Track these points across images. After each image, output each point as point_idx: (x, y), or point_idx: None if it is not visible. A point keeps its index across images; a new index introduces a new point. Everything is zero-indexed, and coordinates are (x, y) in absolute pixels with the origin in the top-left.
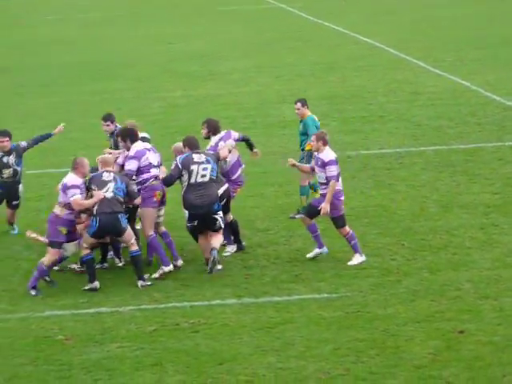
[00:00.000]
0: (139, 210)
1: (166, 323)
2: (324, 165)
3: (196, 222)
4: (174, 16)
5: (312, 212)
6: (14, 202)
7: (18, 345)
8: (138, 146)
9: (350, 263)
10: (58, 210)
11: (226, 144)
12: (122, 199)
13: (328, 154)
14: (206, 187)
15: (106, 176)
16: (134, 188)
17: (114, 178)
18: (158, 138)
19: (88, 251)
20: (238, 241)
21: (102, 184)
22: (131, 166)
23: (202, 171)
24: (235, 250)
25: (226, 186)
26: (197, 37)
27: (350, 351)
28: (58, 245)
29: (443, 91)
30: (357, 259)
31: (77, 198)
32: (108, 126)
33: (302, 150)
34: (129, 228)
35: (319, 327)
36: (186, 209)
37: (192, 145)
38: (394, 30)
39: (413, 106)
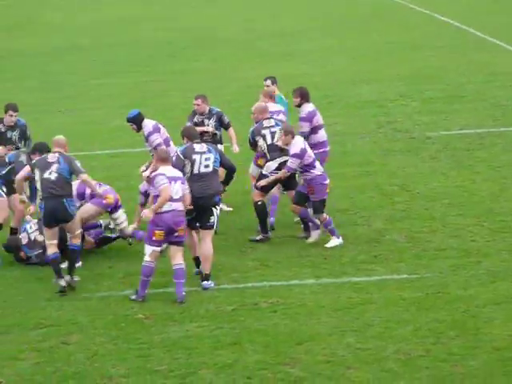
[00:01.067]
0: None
1: (244, 303)
2: (291, 156)
3: (194, 215)
4: None
5: (301, 198)
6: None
7: (98, 323)
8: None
9: (326, 245)
10: None
11: None
12: (68, 180)
13: (294, 146)
14: (208, 178)
15: (50, 157)
16: (78, 164)
17: (58, 159)
18: (234, 118)
19: (53, 250)
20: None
21: (45, 166)
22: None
23: (205, 161)
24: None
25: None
26: (274, 17)
27: (429, 332)
28: None
29: None
30: (334, 242)
31: None
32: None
33: None
34: (76, 217)
35: (398, 308)
36: None
37: (191, 135)
38: (472, 10)
39: (492, 87)
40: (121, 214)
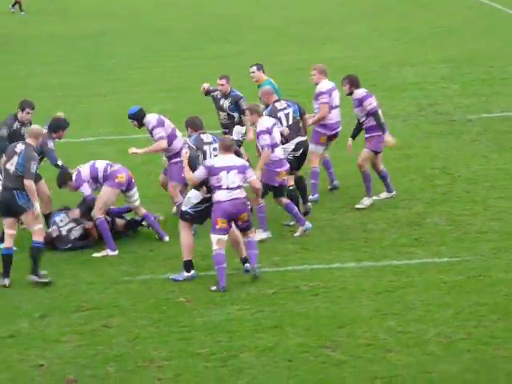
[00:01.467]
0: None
1: (285, 286)
2: (257, 135)
3: (204, 206)
4: None
5: (277, 191)
6: None
7: (140, 306)
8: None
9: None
10: None
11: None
12: (21, 174)
13: (261, 124)
14: None
15: (17, 147)
16: (32, 167)
17: (21, 151)
18: None
19: (7, 244)
20: (304, 201)
21: (10, 155)
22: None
23: (214, 151)
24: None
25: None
26: (310, 4)
27: (471, 315)
28: None
29: None
30: (259, 235)
31: None
32: None
33: None
34: (33, 212)
35: (440, 291)
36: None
37: (195, 125)
38: None
39: None
40: (134, 193)
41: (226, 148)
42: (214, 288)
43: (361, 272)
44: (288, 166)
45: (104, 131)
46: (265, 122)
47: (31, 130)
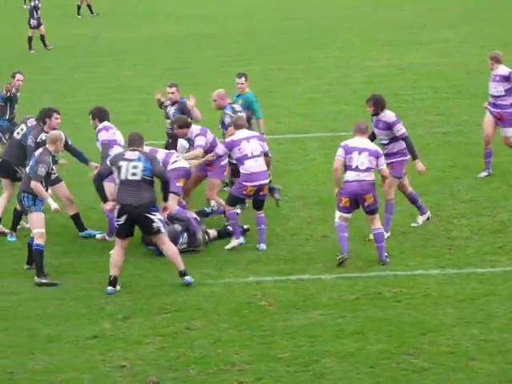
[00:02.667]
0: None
1: (368, 292)
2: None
3: (123, 220)
4: None
5: (231, 199)
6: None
7: (222, 310)
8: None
9: (226, 247)
10: None
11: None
12: (31, 177)
13: (231, 137)
14: (136, 186)
15: (37, 151)
16: (40, 170)
17: (37, 154)
18: (359, 107)
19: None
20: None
21: (30, 158)
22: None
23: (132, 169)
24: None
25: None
26: (400, 6)
27: None
28: None
29: None
30: (233, 243)
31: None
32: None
33: None
34: (36, 216)
35: None
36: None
37: (130, 142)
38: None
39: None
40: None
41: (362, 131)
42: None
43: (444, 279)
44: (262, 181)
45: None
46: (237, 135)
47: (50, 136)
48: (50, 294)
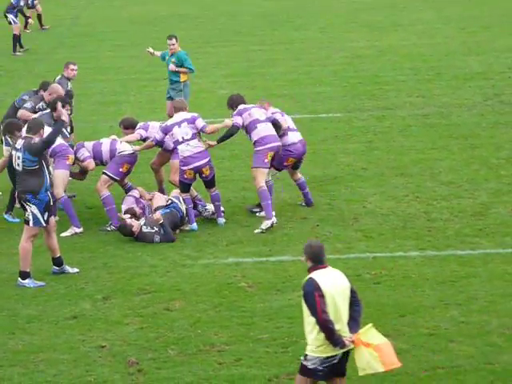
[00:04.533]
0: None
1: (347, 273)
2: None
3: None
4: None
5: (180, 185)
6: None
7: (201, 291)
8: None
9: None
10: None
11: None
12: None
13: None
14: (19, 176)
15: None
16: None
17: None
18: (339, 89)
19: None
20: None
21: None
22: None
23: (17, 159)
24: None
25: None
26: None
27: None
28: None
29: None
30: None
31: None
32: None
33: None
34: None
35: (504, 282)
36: None
37: (29, 127)
38: None
39: None
40: None
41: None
42: None
43: (424, 261)
44: (196, 163)
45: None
46: (172, 119)
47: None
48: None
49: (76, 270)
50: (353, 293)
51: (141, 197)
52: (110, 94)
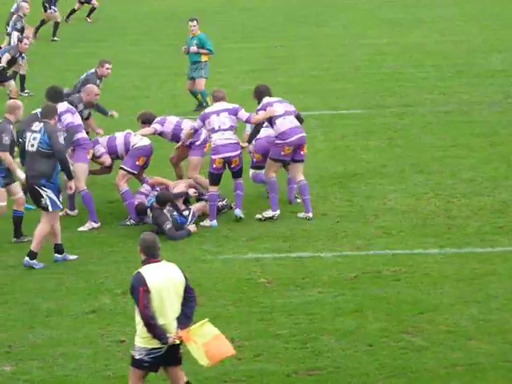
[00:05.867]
0: None
1: (367, 270)
2: None
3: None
4: None
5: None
6: None
7: (221, 286)
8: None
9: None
10: None
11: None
12: None
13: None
14: (31, 157)
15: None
16: (5, 139)
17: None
18: (360, 85)
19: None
20: None
21: None
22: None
23: (32, 140)
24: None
25: None
26: None
27: None
28: None
29: None
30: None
31: None
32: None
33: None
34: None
35: None
36: None
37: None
38: None
39: None
40: None
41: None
42: None
43: (444, 259)
44: (228, 153)
45: (190, 110)
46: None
47: (8, 105)
48: (49, 268)
49: (75, 256)
50: (188, 289)
51: (153, 188)
52: (131, 88)
